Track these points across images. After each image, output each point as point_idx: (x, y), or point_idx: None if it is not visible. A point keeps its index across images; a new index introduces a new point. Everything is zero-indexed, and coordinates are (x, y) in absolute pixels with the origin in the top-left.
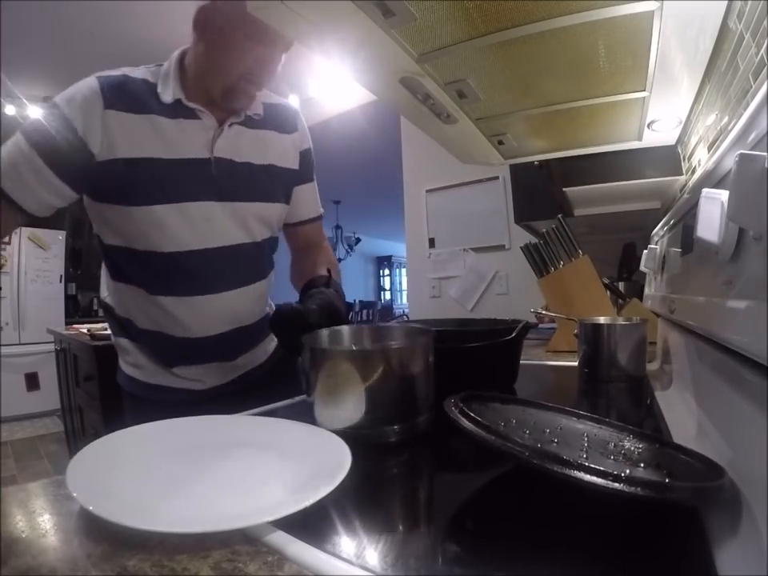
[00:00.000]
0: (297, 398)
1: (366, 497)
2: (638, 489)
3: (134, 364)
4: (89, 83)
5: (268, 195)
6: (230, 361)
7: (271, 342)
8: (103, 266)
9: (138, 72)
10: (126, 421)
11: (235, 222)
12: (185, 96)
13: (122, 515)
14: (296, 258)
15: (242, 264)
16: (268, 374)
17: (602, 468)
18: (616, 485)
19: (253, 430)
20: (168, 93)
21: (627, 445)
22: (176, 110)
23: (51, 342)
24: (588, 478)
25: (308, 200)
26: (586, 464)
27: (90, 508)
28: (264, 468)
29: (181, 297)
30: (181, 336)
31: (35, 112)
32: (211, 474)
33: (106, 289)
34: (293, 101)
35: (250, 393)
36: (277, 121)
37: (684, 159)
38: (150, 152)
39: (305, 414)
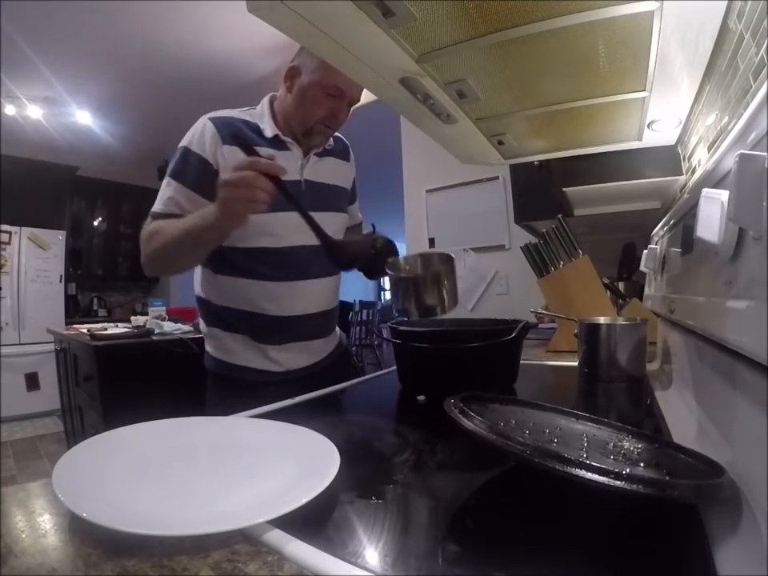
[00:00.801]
0: (295, 400)
1: (366, 497)
2: (639, 486)
3: (224, 349)
4: (207, 127)
5: (339, 207)
6: (311, 340)
7: (336, 338)
8: (199, 266)
9: (237, 114)
10: (211, 399)
11: (325, 227)
12: (280, 132)
13: (115, 520)
14: None
15: (325, 259)
16: (331, 365)
17: (603, 466)
18: (617, 482)
19: (243, 431)
20: (268, 130)
21: (626, 445)
22: (275, 143)
23: (51, 342)
24: (590, 475)
25: (354, 211)
26: (588, 462)
27: (84, 515)
28: (256, 469)
29: (286, 282)
30: (280, 315)
31: (35, 112)
32: (203, 475)
33: (201, 286)
34: None
35: (317, 378)
36: (340, 151)
37: (684, 159)
38: None
39: (296, 417)
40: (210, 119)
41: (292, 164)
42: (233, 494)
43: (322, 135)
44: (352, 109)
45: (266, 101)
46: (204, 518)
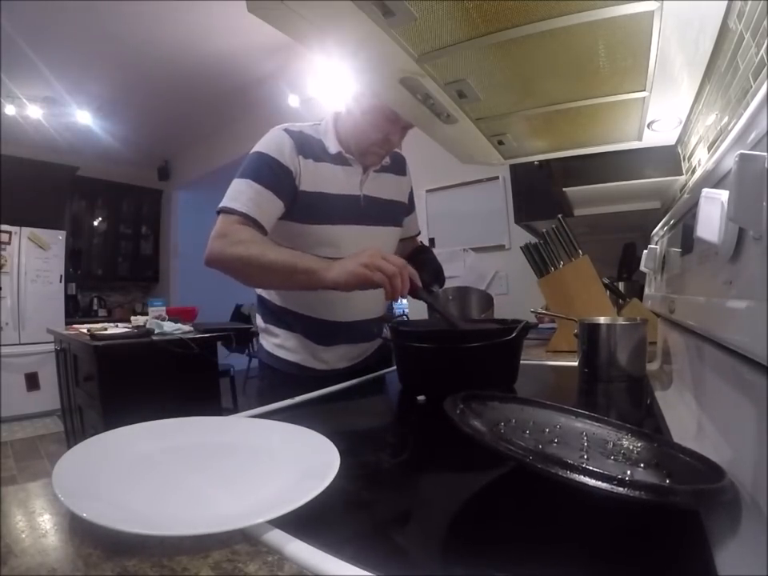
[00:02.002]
0: (294, 400)
1: (366, 497)
2: (642, 493)
3: (280, 345)
4: (284, 137)
5: (395, 222)
6: (359, 343)
7: (377, 340)
8: None
9: (305, 128)
10: (262, 387)
11: (375, 240)
12: (343, 149)
13: (115, 520)
14: (407, 255)
15: None
16: (371, 364)
17: (605, 472)
18: (620, 489)
19: (243, 431)
20: (332, 147)
21: (626, 444)
22: (337, 159)
23: (51, 342)
24: (592, 482)
25: (413, 223)
26: (590, 468)
27: (84, 515)
28: (256, 469)
29: (342, 291)
30: (334, 320)
31: (35, 112)
32: (203, 475)
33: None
34: (293, 101)
35: (358, 374)
36: (397, 166)
37: (684, 159)
38: (325, 188)
39: (296, 417)
40: (286, 131)
41: (352, 179)
42: (232, 494)
43: (376, 156)
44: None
45: (330, 118)
46: (204, 518)
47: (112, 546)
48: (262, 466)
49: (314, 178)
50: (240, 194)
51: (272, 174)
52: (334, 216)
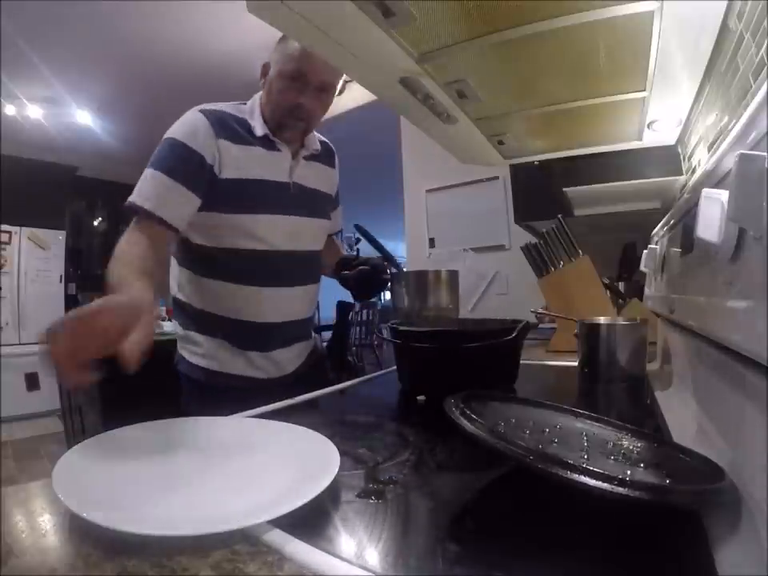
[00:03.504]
0: (295, 400)
1: (365, 497)
2: (642, 493)
3: (203, 354)
4: (199, 119)
5: (324, 213)
6: (292, 345)
7: (312, 343)
8: (177, 267)
9: (227, 108)
10: (185, 407)
11: (307, 232)
12: (269, 132)
13: (115, 520)
14: (324, 252)
15: (309, 266)
16: (305, 373)
17: (605, 472)
18: (620, 489)
19: (243, 431)
20: (259, 129)
21: (626, 444)
22: (264, 143)
23: None
24: (593, 482)
25: (337, 219)
26: (590, 468)
27: (84, 515)
28: (257, 468)
29: (267, 287)
30: (260, 321)
31: (35, 112)
32: (204, 475)
33: (180, 288)
34: None
35: (293, 386)
36: (326, 157)
37: (684, 159)
38: (250, 174)
39: (296, 417)
40: (202, 111)
41: (282, 165)
42: (233, 493)
43: (294, 129)
44: (351, 109)
45: (257, 98)
46: (205, 518)
47: (112, 546)
48: (263, 466)
49: (237, 162)
50: (149, 187)
51: (182, 164)
52: (260, 204)
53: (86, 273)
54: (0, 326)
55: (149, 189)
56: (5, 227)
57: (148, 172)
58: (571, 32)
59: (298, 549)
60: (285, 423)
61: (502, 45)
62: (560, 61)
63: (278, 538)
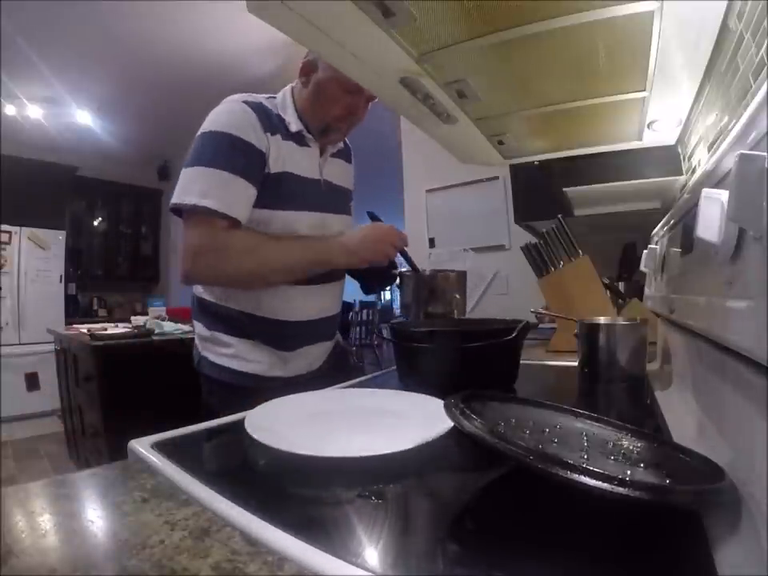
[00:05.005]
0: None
1: (366, 497)
2: (642, 493)
3: (233, 355)
4: (247, 110)
5: (347, 209)
6: (320, 342)
7: (333, 339)
8: None
9: (263, 100)
10: (210, 408)
11: (335, 228)
12: (303, 128)
13: (300, 448)
14: None
15: None
16: (332, 366)
17: (605, 472)
18: (620, 489)
19: (368, 398)
20: (294, 125)
21: (626, 444)
22: (297, 138)
23: (51, 342)
24: (593, 482)
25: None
26: (590, 468)
27: (283, 447)
28: (389, 421)
29: (298, 285)
30: (291, 320)
31: (35, 112)
32: (348, 426)
33: (206, 288)
34: None
35: (319, 380)
36: (346, 153)
37: (684, 159)
38: (289, 168)
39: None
40: (246, 103)
41: (313, 161)
42: (373, 438)
43: (339, 133)
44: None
45: (287, 92)
46: (345, 448)
47: (112, 546)
48: (392, 421)
49: (281, 157)
50: (212, 187)
51: (242, 157)
52: (295, 201)
53: (85, 273)
54: (0, 326)
55: (216, 189)
56: (5, 227)
57: (198, 169)
58: (571, 32)
59: (298, 549)
60: (407, 392)
61: (501, 45)
62: (560, 61)
63: (278, 538)
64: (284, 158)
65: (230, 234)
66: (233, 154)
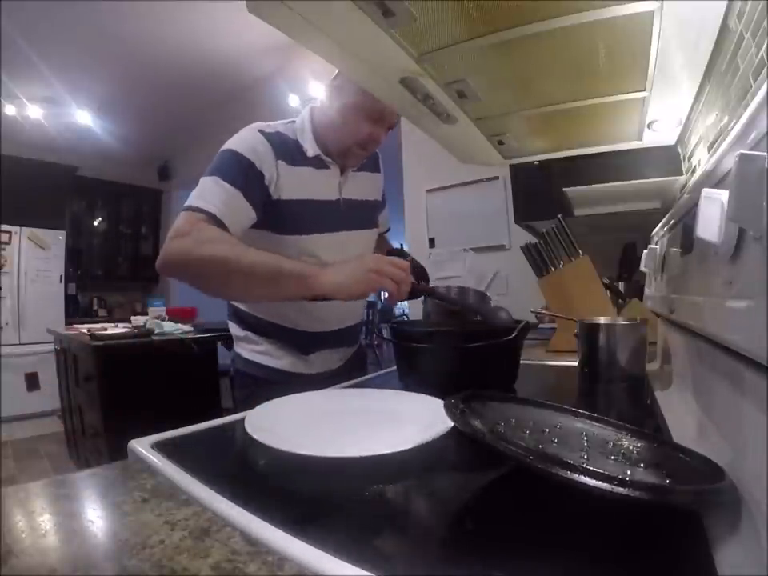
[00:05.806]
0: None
1: (365, 497)
2: (642, 493)
3: (263, 352)
4: (259, 138)
5: (372, 223)
6: (341, 347)
7: (356, 342)
8: None
9: (281, 128)
10: (240, 398)
11: (357, 245)
12: (321, 151)
13: (300, 448)
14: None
15: None
16: (353, 363)
17: (605, 472)
18: (620, 489)
19: (368, 398)
20: (311, 149)
21: (626, 444)
22: (315, 162)
23: (51, 342)
24: (593, 482)
25: (384, 219)
26: (590, 468)
27: (283, 447)
28: (387, 423)
29: (323, 301)
30: (312, 331)
31: (35, 112)
32: (349, 426)
33: None
34: (293, 101)
35: (341, 376)
36: (371, 163)
37: (684, 159)
38: (305, 194)
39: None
40: (261, 132)
41: (331, 182)
42: (372, 438)
43: (357, 158)
44: None
45: (306, 115)
46: (350, 449)
47: (112, 546)
48: (392, 421)
49: (293, 184)
50: (208, 192)
51: (244, 177)
52: (314, 225)
53: (85, 273)
54: (0, 326)
55: (212, 195)
56: (5, 227)
57: (209, 179)
58: (571, 32)
59: (298, 549)
60: (406, 392)
61: (501, 45)
62: (560, 61)
63: (278, 538)
64: (295, 184)
65: (207, 227)
66: (236, 171)
